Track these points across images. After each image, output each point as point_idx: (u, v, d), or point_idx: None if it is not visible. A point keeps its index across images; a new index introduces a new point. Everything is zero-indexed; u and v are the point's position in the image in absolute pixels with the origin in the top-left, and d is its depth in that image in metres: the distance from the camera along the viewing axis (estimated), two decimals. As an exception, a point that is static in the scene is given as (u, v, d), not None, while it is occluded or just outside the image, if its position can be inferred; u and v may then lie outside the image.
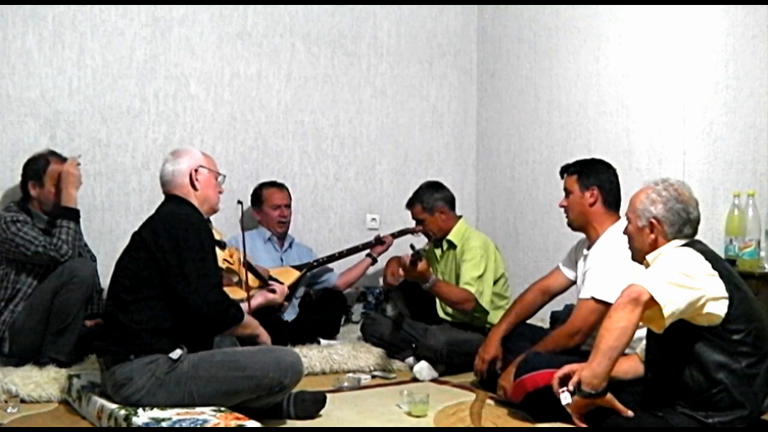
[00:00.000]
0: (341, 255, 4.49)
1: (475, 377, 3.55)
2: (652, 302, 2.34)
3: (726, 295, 2.41)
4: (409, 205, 4.09)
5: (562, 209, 3.34)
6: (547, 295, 3.52)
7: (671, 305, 2.33)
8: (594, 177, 3.26)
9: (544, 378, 2.92)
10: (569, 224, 3.35)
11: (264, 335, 3.01)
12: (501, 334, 3.45)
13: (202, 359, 2.76)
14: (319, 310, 4.29)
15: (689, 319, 2.40)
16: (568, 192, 3.30)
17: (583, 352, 3.17)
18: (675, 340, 2.42)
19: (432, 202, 4.01)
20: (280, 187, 4.40)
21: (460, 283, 3.82)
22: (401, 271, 3.64)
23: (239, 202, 3.78)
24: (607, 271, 3.06)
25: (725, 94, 3.80)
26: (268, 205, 4.33)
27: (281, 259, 4.33)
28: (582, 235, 3.36)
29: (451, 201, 4.07)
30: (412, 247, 3.62)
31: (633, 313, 2.34)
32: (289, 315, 4.19)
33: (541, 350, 3.16)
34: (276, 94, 4.63)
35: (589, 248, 3.26)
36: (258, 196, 4.37)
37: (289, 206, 4.39)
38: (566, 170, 3.35)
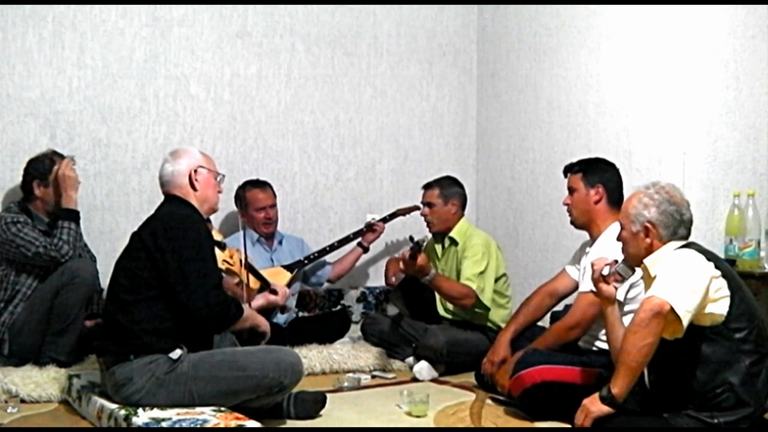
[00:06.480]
0: (332, 248, 4.41)
1: (486, 380, 3.47)
2: (671, 313, 2.36)
3: (728, 294, 2.42)
4: (428, 186, 4.11)
5: (566, 207, 3.38)
6: (554, 298, 3.52)
7: (689, 314, 2.36)
8: (599, 175, 3.30)
9: (542, 374, 2.97)
10: (572, 222, 3.38)
11: (264, 324, 3.02)
12: (510, 336, 3.45)
13: (202, 359, 2.77)
14: (320, 325, 4.24)
15: (693, 320, 2.41)
16: (572, 190, 3.33)
17: (582, 351, 3.19)
18: (678, 341, 2.43)
19: (450, 192, 4.05)
20: (263, 186, 4.25)
21: (461, 279, 3.81)
22: (401, 266, 3.64)
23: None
24: None
25: (725, 94, 3.79)
26: (252, 208, 4.18)
27: (272, 260, 4.24)
28: (586, 237, 3.38)
29: (465, 200, 4.12)
30: (411, 239, 3.60)
31: (658, 327, 2.37)
32: (285, 318, 4.12)
33: (542, 345, 3.20)
34: (276, 94, 4.63)
35: (591, 246, 3.27)
36: (241, 198, 4.19)
37: (274, 206, 4.24)
38: (570, 169, 3.38)
